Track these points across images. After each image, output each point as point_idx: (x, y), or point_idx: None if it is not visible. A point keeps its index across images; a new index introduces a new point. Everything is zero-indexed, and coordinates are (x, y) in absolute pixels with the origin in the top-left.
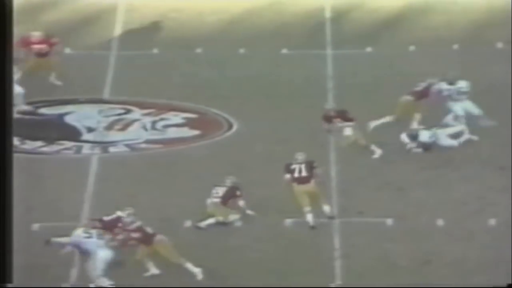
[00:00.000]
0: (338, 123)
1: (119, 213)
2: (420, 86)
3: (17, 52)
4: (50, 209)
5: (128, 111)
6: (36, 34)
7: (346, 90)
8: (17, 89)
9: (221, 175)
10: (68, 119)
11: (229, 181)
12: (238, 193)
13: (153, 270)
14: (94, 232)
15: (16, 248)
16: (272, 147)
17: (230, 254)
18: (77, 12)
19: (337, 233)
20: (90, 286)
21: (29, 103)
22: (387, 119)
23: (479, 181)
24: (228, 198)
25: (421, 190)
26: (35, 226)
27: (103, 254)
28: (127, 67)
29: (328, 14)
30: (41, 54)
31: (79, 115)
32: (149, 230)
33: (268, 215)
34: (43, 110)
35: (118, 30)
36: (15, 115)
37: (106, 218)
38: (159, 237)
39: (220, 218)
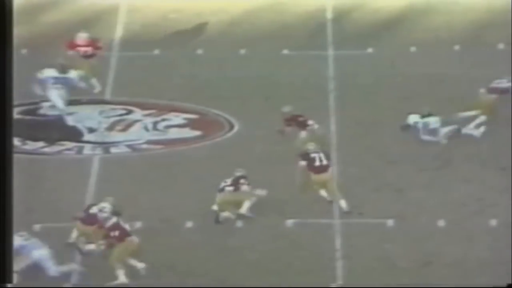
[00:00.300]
0: (294, 126)
1: (94, 209)
2: (501, 83)
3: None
4: (51, 209)
5: (129, 112)
6: (83, 36)
7: (347, 91)
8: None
9: (222, 175)
10: (69, 120)
11: (238, 174)
12: (242, 181)
13: (122, 278)
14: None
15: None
16: (273, 147)
17: (231, 255)
18: (78, 13)
19: (338, 234)
20: (91, 286)
21: (27, 104)
22: (473, 112)
23: (480, 181)
24: (236, 184)
25: (422, 190)
26: (36, 227)
27: (37, 254)
28: (128, 68)
29: (329, 14)
30: (85, 57)
31: (80, 116)
32: (126, 226)
33: (269, 216)
34: (44, 111)
35: (119, 31)
36: (17, 116)
37: (83, 215)
38: (132, 238)
39: (231, 215)
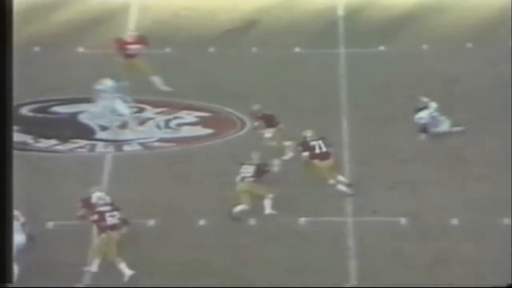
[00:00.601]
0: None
1: (93, 196)
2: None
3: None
4: (63, 207)
5: (141, 110)
6: (131, 34)
7: (359, 88)
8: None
9: (234, 173)
10: (82, 118)
11: (255, 157)
12: (267, 168)
13: (94, 267)
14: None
15: (29, 246)
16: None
17: (244, 253)
18: (90, 11)
19: (351, 233)
20: (94, 287)
21: (39, 102)
22: None
23: (493, 180)
24: (261, 174)
25: (435, 189)
26: (49, 224)
27: (18, 238)
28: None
29: (340, 12)
30: (133, 55)
31: (92, 114)
32: (109, 220)
33: (282, 214)
34: (57, 109)
35: (131, 28)
36: (29, 114)
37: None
38: (113, 232)
39: (246, 207)
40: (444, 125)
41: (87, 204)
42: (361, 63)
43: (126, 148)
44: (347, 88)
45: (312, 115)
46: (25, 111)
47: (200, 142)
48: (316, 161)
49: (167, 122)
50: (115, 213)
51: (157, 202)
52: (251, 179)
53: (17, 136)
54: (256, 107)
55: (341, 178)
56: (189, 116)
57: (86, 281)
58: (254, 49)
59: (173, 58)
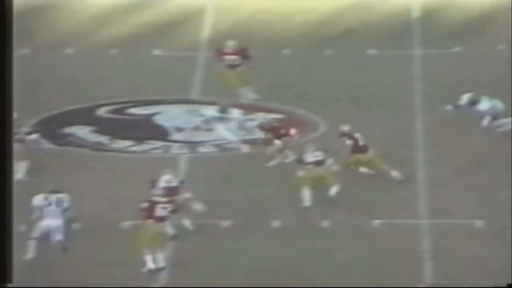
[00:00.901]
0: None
1: (162, 183)
2: None
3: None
4: (138, 207)
5: (216, 111)
6: (230, 45)
7: (434, 90)
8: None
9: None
10: (157, 119)
11: (314, 148)
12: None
13: (150, 264)
14: (53, 199)
15: (105, 247)
16: None
17: (317, 255)
18: (166, 14)
19: (426, 235)
20: (95, 287)
21: (115, 103)
22: None
23: None
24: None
25: (511, 191)
26: (125, 224)
27: (49, 223)
28: (215, 67)
29: (415, 13)
30: (232, 66)
31: (167, 116)
32: (158, 211)
33: (356, 216)
34: (133, 110)
35: (206, 31)
36: (106, 115)
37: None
38: (158, 224)
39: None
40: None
41: (154, 185)
42: (436, 65)
43: (201, 149)
44: (421, 89)
45: (386, 116)
46: (102, 112)
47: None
48: (359, 155)
49: (241, 123)
50: (167, 205)
51: (231, 203)
52: (320, 163)
53: (94, 137)
54: (265, 120)
55: (394, 173)
56: (263, 118)
57: (162, 280)
58: (329, 51)
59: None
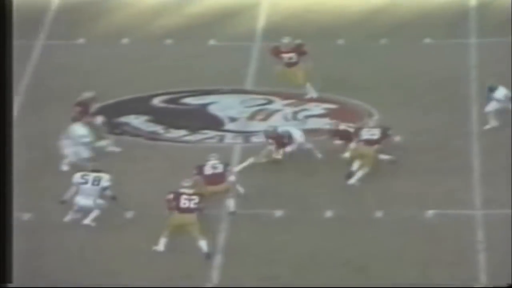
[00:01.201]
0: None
1: (208, 169)
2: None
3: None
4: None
5: (269, 102)
6: (286, 43)
7: (490, 80)
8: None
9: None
10: (211, 109)
11: (373, 120)
12: (389, 132)
13: (160, 247)
14: (90, 178)
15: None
16: (413, 137)
17: (370, 245)
18: (221, 5)
19: (480, 225)
20: (95, 287)
21: (170, 93)
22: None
23: None
24: (384, 137)
25: None
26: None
27: (80, 200)
28: (269, 58)
29: (471, 2)
30: (290, 64)
31: (222, 105)
32: (182, 202)
33: (409, 206)
34: (187, 100)
35: (261, 21)
36: (160, 104)
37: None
38: (183, 215)
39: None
40: None
41: (200, 171)
42: (492, 53)
43: (254, 139)
44: (477, 79)
45: (441, 106)
46: (156, 101)
47: (327, 134)
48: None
49: (294, 114)
50: (194, 197)
51: (284, 193)
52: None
53: (149, 126)
54: (270, 128)
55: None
56: (316, 108)
57: (215, 280)
58: (383, 41)
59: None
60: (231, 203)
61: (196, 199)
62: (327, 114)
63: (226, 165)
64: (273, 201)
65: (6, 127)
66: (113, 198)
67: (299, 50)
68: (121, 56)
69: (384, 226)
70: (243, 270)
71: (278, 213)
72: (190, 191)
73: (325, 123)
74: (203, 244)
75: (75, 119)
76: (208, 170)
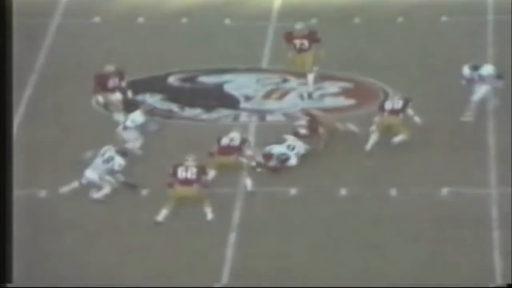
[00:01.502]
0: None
1: (224, 140)
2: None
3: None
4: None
5: (285, 80)
6: (299, 29)
7: (506, 57)
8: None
9: (377, 143)
10: (227, 88)
11: (398, 96)
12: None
13: (160, 217)
14: (106, 154)
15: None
16: (429, 116)
17: (385, 223)
18: None
19: (495, 203)
20: (96, 287)
21: (186, 71)
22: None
23: None
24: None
25: None
26: None
27: (87, 173)
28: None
29: None
30: (302, 50)
31: (237, 84)
32: (180, 174)
33: (424, 184)
34: (203, 79)
35: (277, 1)
36: (176, 83)
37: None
38: (182, 187)
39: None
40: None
41: (218, 141)
42: (509, 30)
43: (269, 118)
44: (494, 56)
45: (456, 83)
46: (172, 80)
47: (342, 113)
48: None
49: (310, 92)
50: (192, 168)
51: (299, 172)
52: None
53: (164, 105)
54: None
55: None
56: (332, 87)
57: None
58: (400, 19)
59: (317, 29)
60: (248, 182)
61: (194, 169)
62: (343, 93)
63: (245, 140)
64: (288, 179)
65: (6, 129)
66: (133, 186)
67: (312, 37)
68: (137, 35)
69: (398, 204)
70: (257, 247)
71: (293, 191)
72: (191, 163)
73: (341, 102)
74: (208, 211)
75: (95, 91)
76: (225, 141)
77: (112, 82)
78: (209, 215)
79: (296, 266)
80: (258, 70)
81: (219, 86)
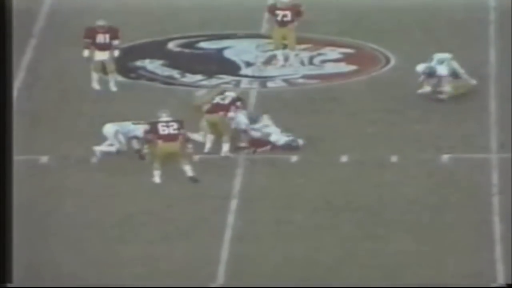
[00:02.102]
0: None
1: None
2: None
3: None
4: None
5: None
6: (283, 1)
7: (508, 21)
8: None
9: (378, 110)
10: (227, 54)
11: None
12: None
13: (156, 179)
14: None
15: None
16: None
17: (385, 189)
18: None
19: (495, 169)
20: (95, 287)
21: (186, 37)
22: None
23: None
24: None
25: None
26: (195, 158)
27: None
28: None
29: None
30: (282, 23)
31: (237, 50)
32: (161, 129)
33: (424, 150)
34: (203, 44)
35: None
36: (176, 49)
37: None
38: (164, 143)
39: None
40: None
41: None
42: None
43: (270, 84)
44: (496, 21)
45: (458, 47)
46: (172, 46)
47: (344, 79)
48: None
49: (311, 58)
50: (173, 124)
51: (300, 137)
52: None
53: (164, 70)
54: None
55: None
56: (333, 53)
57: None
58: None
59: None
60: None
61: (174, 125)
62: (344, 58)
63: (236, 99)
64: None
65: (6, 131)
66: (143, 157)
67: (294, 10)
68: (136, 0)
69: (399, 170)
70: (258, 214)
71: (294, 158)
72: (168, 119)
73: (342, 68)
74: (187, 169)
75: (85, 47)
76: (216, 100)
77: (102, 38)
78: (189, 173)
79: (297, 232)
80: (258, 35)
81: (219, 52)
